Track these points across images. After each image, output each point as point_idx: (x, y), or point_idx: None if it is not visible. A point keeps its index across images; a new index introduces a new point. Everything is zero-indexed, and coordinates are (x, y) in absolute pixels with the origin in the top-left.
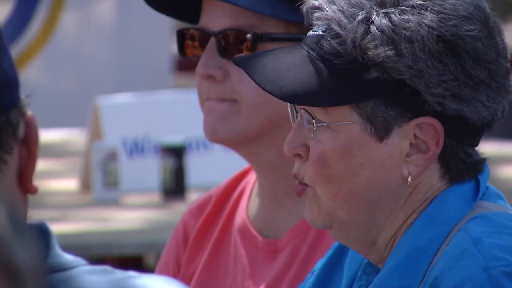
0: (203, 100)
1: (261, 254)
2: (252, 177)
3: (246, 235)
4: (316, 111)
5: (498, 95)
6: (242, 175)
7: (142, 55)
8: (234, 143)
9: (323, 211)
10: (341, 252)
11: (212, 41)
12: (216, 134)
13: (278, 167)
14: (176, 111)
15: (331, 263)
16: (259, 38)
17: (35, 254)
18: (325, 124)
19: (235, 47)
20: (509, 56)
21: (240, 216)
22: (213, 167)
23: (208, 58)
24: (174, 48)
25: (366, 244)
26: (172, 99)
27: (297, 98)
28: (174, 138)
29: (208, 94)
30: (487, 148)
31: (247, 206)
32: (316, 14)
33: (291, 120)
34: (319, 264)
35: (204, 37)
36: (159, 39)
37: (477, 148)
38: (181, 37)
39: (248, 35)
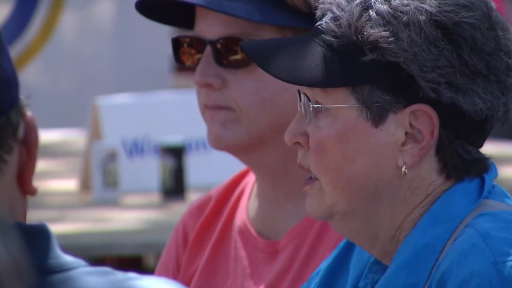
0: (202, 108)
1: (261, 255)
2: (251, 177)
3: (246, 236)
4: (317, 93)
5: (496, 89)
6: (242, 176)
7: (142, 55)
8: (237, 150)
9: (325, 204)
10: (346, 252)
11: (208, 49)
12: (220, 142)
13: (280, 172)
14: (176, 111)
15: (337, 263)
16: None
17: (15, 253)
18: (321, 106)
19: (231, 55)
20: None
21: (240, 217)
22: (213, 167)
23: (205, 66)
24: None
25: (369, 236)
26: (172, 99)
27: (291, 77)
28: (174, 138)
29: (206, 101)
30: (487, 148)
31: (247, 207)
32: None
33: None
34: (324, 264)
35: (199, 45)
36: (159, 40)
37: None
38: (177, 44)
39: None
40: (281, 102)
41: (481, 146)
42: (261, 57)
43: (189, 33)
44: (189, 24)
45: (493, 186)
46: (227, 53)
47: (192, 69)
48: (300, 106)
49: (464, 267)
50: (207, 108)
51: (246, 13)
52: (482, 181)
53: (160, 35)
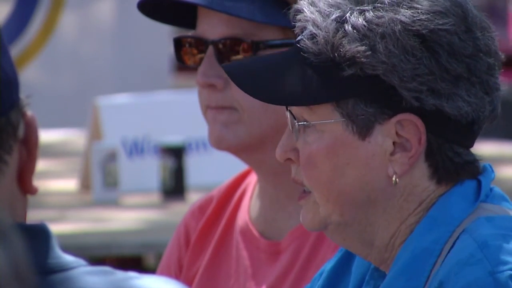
0: (204, 109)
1: (263, 255)
2: (253, 178)
3: (248, 236)
4: (302, 111)
5: (480, 90)
6: (243, 176)
7: (142, 55)
8: (239, 150)
9: (318, 216)
10: (349, 255)
11: (211, 49)
12: (222, 142)
13: (281, 172)
14: (176, 111)
15: (340, 265)
16: (257, 46)
17: (16, 256)
18: (306, 123)
19: (233, 55)
20: (495, 52)
21: (242, 217)
22: (213, 167)
23: (208, 67)
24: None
25: (364, 244)
26: (172, 99)
27: (274, 98)
28: (174, 138)
29: (208, 102)
30: (487, 148)
31: (249, 207)
32: (297, 17)
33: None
34: (327, 265)
35: (201, 45)
36: (159, 40)
37: (475, 150)
38: (179, 44)
39: (246, 44)
40: None
41: (471, 146)
42: (242, 79)
43: (190, 33)
44: (191, 24)
45: (491, 189)
46: (230, 54)
47: (192, 69)
48: (288, 122)
49: (461, 277)
50: (209, 109)
51: (249, 14)
52: (479, 184)
53: (160, 35)
